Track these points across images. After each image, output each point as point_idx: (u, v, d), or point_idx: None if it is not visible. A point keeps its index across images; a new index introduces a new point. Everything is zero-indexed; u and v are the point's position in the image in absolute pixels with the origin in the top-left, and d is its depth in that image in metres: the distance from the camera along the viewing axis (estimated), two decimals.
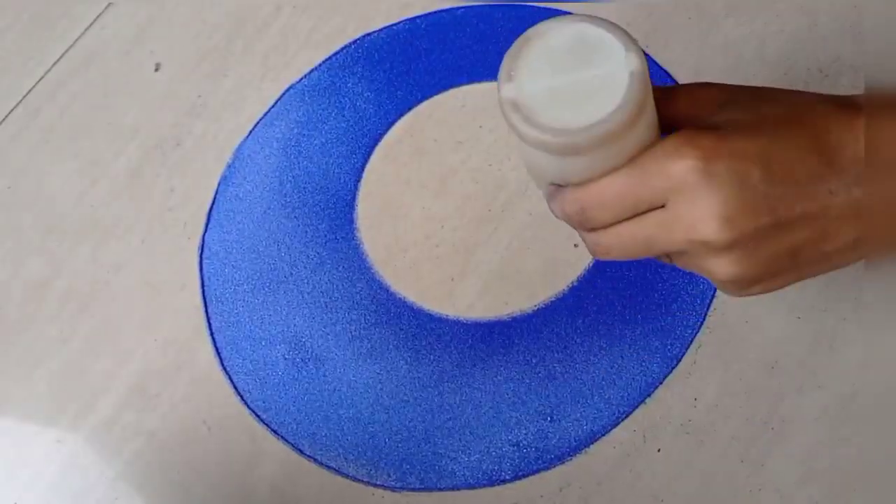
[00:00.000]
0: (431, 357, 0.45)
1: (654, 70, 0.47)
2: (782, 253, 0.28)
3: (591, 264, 0.45)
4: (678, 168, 0.27)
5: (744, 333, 0.42)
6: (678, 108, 0.30)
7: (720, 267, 0.29)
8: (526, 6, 0.51)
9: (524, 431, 0.42)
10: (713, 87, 0.31)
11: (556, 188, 0.31)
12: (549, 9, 0.51)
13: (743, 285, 0.30)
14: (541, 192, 0.33)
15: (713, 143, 0.27)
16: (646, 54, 0.47)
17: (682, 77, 0.47)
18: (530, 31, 0.28)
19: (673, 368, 0.42)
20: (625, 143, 0.27)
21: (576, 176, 0.29)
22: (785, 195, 0.27)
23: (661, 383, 0.42)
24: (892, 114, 0.28)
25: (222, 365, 0.47)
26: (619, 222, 0.29)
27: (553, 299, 0.45)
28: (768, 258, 0.28)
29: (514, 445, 0.42)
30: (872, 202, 0.28)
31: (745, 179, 0.27)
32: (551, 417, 0.42)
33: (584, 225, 0.30)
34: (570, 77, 0.27)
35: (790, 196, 0.27)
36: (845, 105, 0.29)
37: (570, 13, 0.50)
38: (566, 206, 0.30)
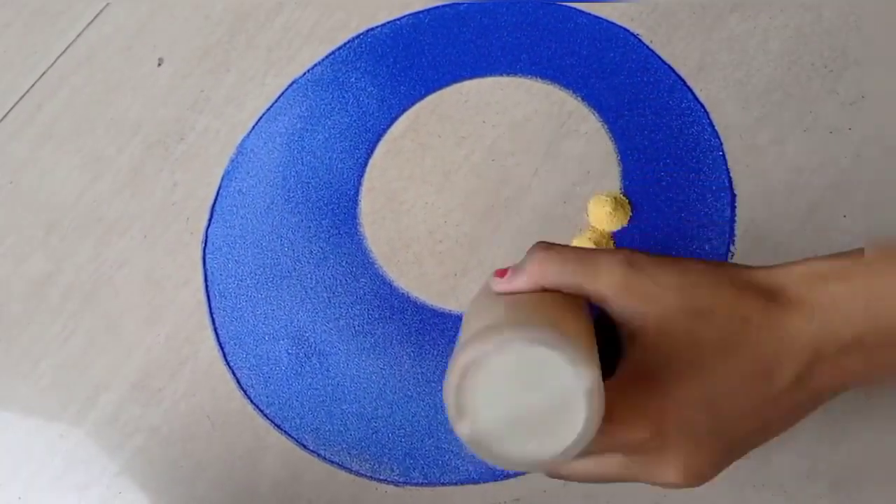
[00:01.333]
0: (434, 352, 0.45)
1: (659, 65, 0.47)
2: (737, 457, 0.31)
3: None
4: (634, 438, 0.28)
5: None
6: (603, 290, 0.31)
7: (685, 488, 0.30)
8: (529, 1, 0.51)
9: None
10: (638, 279, 0.30)
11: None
12: (551, 3, 0.50)
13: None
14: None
15: (660, 409, 0.28)
16: (650, 50, 0.47)
17: (686, 71, 0.47)
18: (466, 357, 0.25)
19: None
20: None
21: None
22: (735, 426, 0.29)
23: None
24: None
25: (225, 360, 0.46)
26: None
27: None
28: (725, 466, 0.31)
29: None
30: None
31: (697, 432, 0.29)
32: None
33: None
34: (523, 403, 0.25)
35: (739, 424, 0.29)
36: (772, 300, 0.29)
37: (571, 8, 0.50)
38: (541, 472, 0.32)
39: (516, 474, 0.42)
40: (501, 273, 0.33)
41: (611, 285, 0.30)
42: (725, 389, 0.29)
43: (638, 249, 0.31)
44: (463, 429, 0.26)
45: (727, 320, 0.29)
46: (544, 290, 0.31)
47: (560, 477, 0.33)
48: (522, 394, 0.25)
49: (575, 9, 0.50)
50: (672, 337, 0.29)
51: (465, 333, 0.30)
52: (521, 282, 0.32)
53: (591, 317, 0.31)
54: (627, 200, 0.46)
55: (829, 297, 0.29)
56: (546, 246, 0.32)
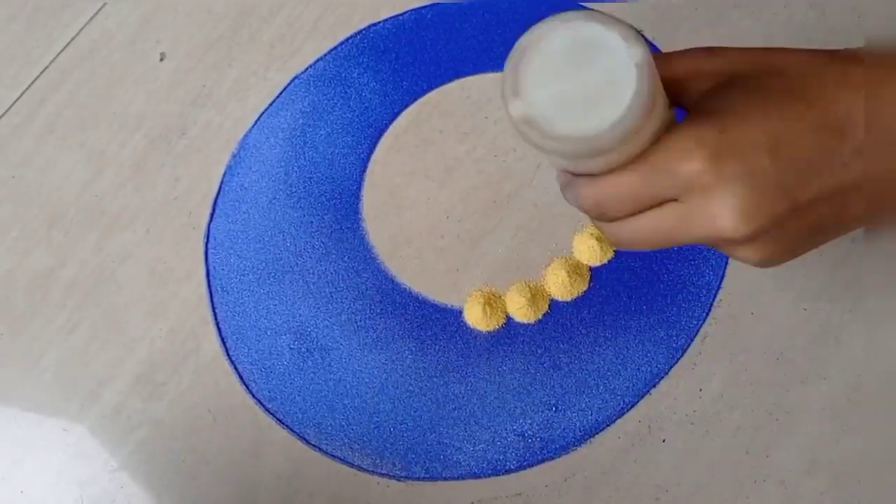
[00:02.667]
0: (436, 347, 0.45)
1: None
2: (804, 231, 0.29)
3: None
4: (689, 170, 0.27)
5: (749, 324, 0.42)
6: (680, 74, 0.30)
7: (746, 254, 0.29)
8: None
9: (529, 421, 0.42)
10: (716, 58, 0.30)
11: (569, 177, 0.31)
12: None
13: (770, 265, 0.30)
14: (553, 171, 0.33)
15: (719, 140, 0.27)
16: (652, 44, 0.47)
17: None
18: (524, 40, 0.27)
19: (678, 359, 0.42)
20: (641, 135, 0.27)
21: (593, 170, 0.29)
22: (799, 178, 0.27)
23: (666, 374, 0.42)
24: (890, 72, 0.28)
25: (227, 354, 0.47)
26: (636, 214, 0.29)
27: None
28: (792, 239, 0.29)
29: (519, 435, 0.42)
30: (880, 166, 0.28)
31: (756, 172, 0.27)
32: (556, 408, 0.43)
33: (602, 217, 0.30)
34: (576, 81, 0.26)
35: (804, 178, 0.27)
36: (848, 66, 0.28)
37: (575, 4, 0.50)
38: (581, 200, 0.30)
39: (518, 468, 0.42)
40: None
41: (686, 66, 0.30)
42: (791, 136, 0.27)
43: None
44: (517, 108, 0.26)
45: (800, 73, 0.28)
46: None
47: (622, 240, 0.31)
48: (576, 72, 0.26)
49: (578, 4, 0.50)
50: (741, 86, 0.28)
51: None
52: None
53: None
54: None
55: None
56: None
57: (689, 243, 0.30)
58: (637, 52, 0.26)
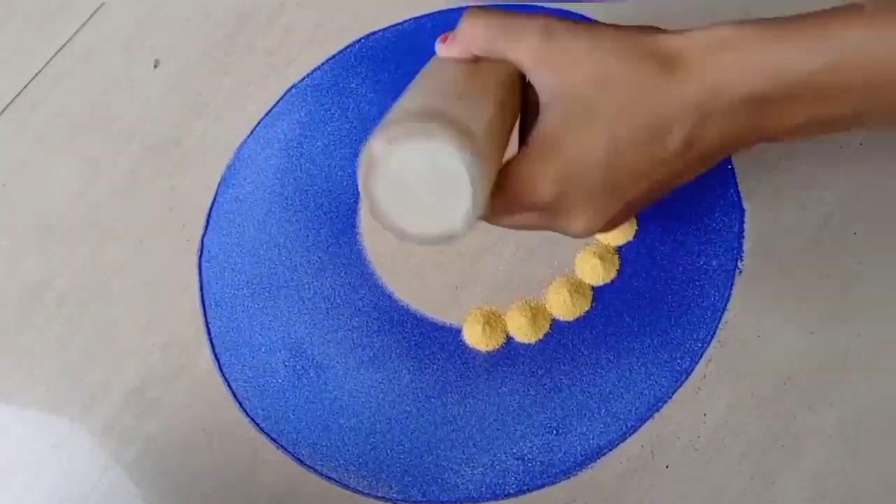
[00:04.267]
0: (435, 366, 0.44)
1: None
2: (635, 210, 0.34)
3: None
4: (540, 199, 0.32)
5: (755, 348, 0.41)
6: (524, 62, 0.33)
7: (585, 234, 0.34)
8: (533, 6, 0.50)
9: (529, 444, 0.42)
10: (551, 50, 0.32)
11: None
12: (556, 9, 0.49)
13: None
14: None
15: (561, 171, 0.31)
16: None
17: None
18: (367, 154, 0.29)
19: (682, 382, 0.41)
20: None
21: None
22: (628, 186, 0.32)
23: (669, 398, 0.41)
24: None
25: (221, 371, 0.46)
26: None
27: None
28: (625, 218, 0.35)
29: (519, 459, 0.41)
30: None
31: (592, 194, 0.32)
32: (557, 431, 0.42)
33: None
34: (421, 190, 0.29)
35: (632, 185, 0.32)
36: (668, 65, 0.31)
37: (576, 14, 0.49)
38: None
39: (518, 492, 0.41)
40: (444, 38, 0.35)
41: (528, 52, 0.32)
42: (620, 157, 0.31)
43: (557, 16, 0.33)
44: (373, 213, 0.29)
45: (626, 87, 0.31)
46: (478, 59, 0.34)
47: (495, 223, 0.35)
48: (420, 181, 0.29)
49: (582, 16, 0.48)
50: (577, 105, 0.32)
51: (400, 99, 0.33)
52: (455, 50, 0.34)
53: (519, 91, 0.35)
54: None
55: (722, 60, 0.31)
56: (475, 10, 0.34)
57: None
58: (471, 164, 0.28)
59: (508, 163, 0.33)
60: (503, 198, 0.32)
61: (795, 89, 0.30)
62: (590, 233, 0.34)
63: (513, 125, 0.36)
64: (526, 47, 0.32)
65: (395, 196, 0.29)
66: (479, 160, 0.28)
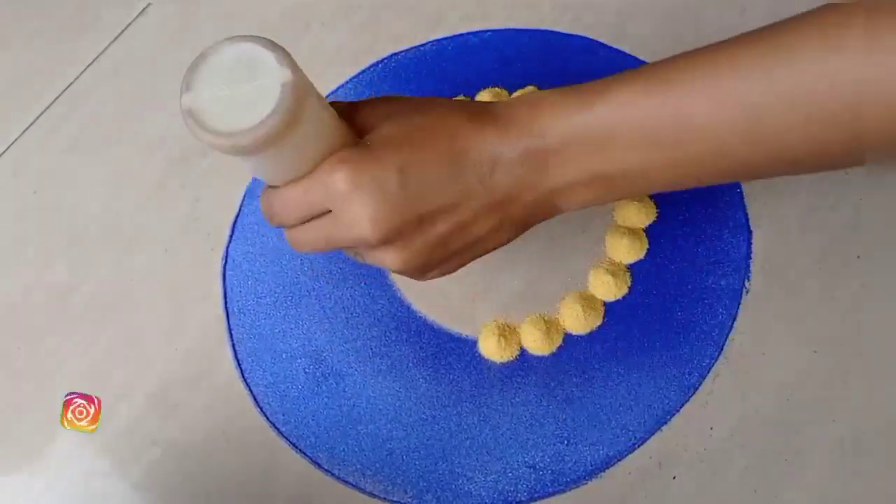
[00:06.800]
0: (451, 376, 0.45)
1: None
2: (433, 242, 0.35)
3: None
4: (334, 180, 0.33)
5: (760, 365, 0.43)
6: (362, 120, 0.35)
7: (386, 258, 0.35)
8: (552, 31, 0.52)
9: (541, 454, 0.43)
10: (382, 102, 0.36)
11: (263, 191, 0.36)
12: (573, 34, 0.51)
13: (415, 272, 0.36)
14: None
15: (360, 158, 0.33)
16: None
17: None
18: (206, 49, 0.31)
19: (690, 397, 0.43)
20: (291, 146, 0.31)
21: (268, 177, 0.35)
22: (421, 195, 0.33)
23: (677, 411, 0.43)
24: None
25: (243, 376, 0.47)
26: (305, 222, 0.35)
27: None
28: (423, 247, 0.35)
29: (530, 467, 0.43)
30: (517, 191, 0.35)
31: (384, 185, 0.33)
32: (568, 441, 0.43)
33: (277, 223, 0.36)
34: (237, 88, 0.30)
35: (425, 195, 0.33)
36: (476, 115, 0.35)
37: (593, 40, 0.51)
38: (262, 206, 0.36)
39: (529, 500, 0.42)
40: None
41: (368, 110, 0.35)
42: (417, 164, 0.33)
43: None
44: (185, 100, 0.31)
45: (436, 122, 0.34)
46: None
47: (298, 243, 0.36)
48: (239, 83, 0.30)
49: (598, 41, 0.50)
50: (393, 122, 0.34)
51: None
52: None
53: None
54: (644, 233, 0.46)
55: (519, 113, 0.34)
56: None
57: (346, 246, 0.36)
58: (286, 74, 0.30)
59: None
60: (303, 179, 0.33)
61: (568, 142, 0.34)
62: (377, 235, 0.33)
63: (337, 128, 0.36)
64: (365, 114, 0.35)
65: (212, 90, 0.30)
66: (294, 81, 0.30)
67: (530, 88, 0.49)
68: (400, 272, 0.36)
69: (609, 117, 0.33)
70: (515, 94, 0.35)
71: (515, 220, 0.36)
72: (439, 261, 0.36)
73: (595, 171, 0.34)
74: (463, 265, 0.38)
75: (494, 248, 0.38)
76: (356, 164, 0.32)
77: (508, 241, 0.37)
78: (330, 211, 0.34)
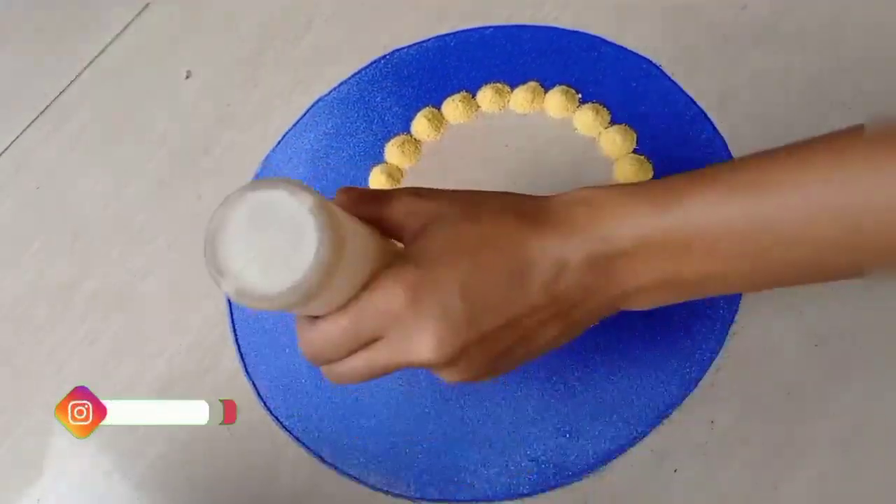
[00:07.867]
0: None
1: (680, 96, 0.48)
2: (496, 355, 0.33)
3: None
4: (391, 306, 0.31)
5: (762, 358, 0.43)
6: (395, 215, 0.34)
7: (447, 376, 0.33)
8: (554, 28, 0.52)
9: (543, 447, 0.43)
10: (417, 200, 0.34)
11: (299, 327, 0.33)
12: (576, 31, 0.51)
13: (473, 381, 0.34)
14: None
15: (416, 279, 0.31)
16: (672, 81, 0.48)
17: (707, 104, 0.48)
18: (212, 223, 0.28)
19: (691, 390, 0.43)
20: (347, 270, 0.29)
21: (311, 312, 0.32)
22: (484, 314, 0.32)
23: (678, 405, 0.43)
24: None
25: (246, 371, 0.47)
26: (351, 353, 0.32)
27: None
28: (485, 362, 0.33)
29: (532, 461, 0.43)
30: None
31: (446, 308, 0.31)
32: (570, 434, 0.43)
33: (321, 362, 0.33)
34: (264, 243, 0.27)
35: (488, 313, 0.32)
36: (531, 216, 0.33)
37: (595, 36, 0.51)
38: (302, 348, 0.33)
39: (531, 493, 0.43)
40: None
41: (400, 208, 0.34)
42: (479, 281, 0.31)
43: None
44: (227, 286, 0.27)
45: (491, 229, 0.32)
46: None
47: (342, 378, 0.33)
48: (264, 235, 0.27)
49: (599, 37, 0.51)
50: (442, 233, 0.32)
51: None
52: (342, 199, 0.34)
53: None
54: None
55: (578, 216, 0.33)
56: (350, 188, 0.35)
57: (399, 369, 0.33)
58: (305, 199, 0.27)
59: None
60: (351, 307, 0.31)
61: (639, 247, 0.32)
62: (439, 358, 0.31)
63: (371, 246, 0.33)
64: (398, 204, 0.34)
65: (244, 258, 0.27)
66: (317, 196, 0.27)
67: (532, 84, 0.49)
68: (457, 383, 0.35)
69: (688, 224, 0.31)
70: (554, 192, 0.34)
71: (578, 324, 0.35)
72: (500, 368, 0.35)
73: (668, 278, 0.32)
74: (519, 365, 0.36)
75: (552, 349, 0.36)
76: (413, 286, 0.31)
77: (567, 341, 0.36)
78: (381, 337, 0.32)
